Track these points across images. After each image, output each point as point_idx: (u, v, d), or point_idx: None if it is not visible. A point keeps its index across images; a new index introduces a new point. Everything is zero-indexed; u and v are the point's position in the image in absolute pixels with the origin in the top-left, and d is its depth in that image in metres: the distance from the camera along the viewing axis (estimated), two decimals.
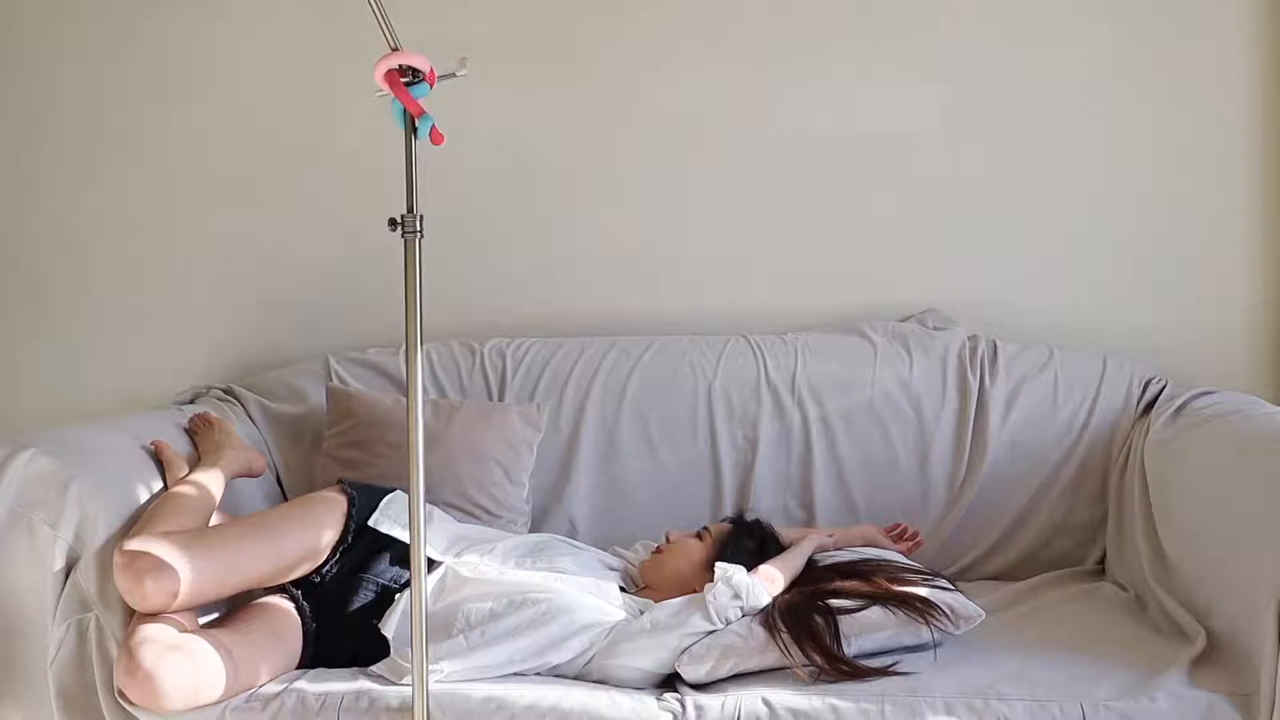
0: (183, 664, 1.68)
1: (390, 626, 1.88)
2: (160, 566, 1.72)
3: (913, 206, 2.69)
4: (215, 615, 1.92)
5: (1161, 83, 2.64)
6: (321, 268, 2.77)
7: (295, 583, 1.94)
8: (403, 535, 1.95)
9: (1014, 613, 2.16)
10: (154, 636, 1.70)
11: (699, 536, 2.11)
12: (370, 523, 1.98)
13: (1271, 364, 2.66)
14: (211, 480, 2.04)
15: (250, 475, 2.22)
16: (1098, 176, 2.66)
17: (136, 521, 1.88)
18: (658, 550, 2.13)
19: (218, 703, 1.72)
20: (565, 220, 2.75)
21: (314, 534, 1.94)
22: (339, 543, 1.95)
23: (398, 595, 1.91)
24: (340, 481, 2.09)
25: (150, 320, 2.81)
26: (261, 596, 1.95)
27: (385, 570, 1.95)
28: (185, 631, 1.75)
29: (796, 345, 2.56)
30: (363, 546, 1.97)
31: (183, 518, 1.88)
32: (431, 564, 1.97)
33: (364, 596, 1.93)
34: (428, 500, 2.14)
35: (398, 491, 2.07)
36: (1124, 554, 2.31)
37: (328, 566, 1.95)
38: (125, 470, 1.98)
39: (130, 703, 1.70)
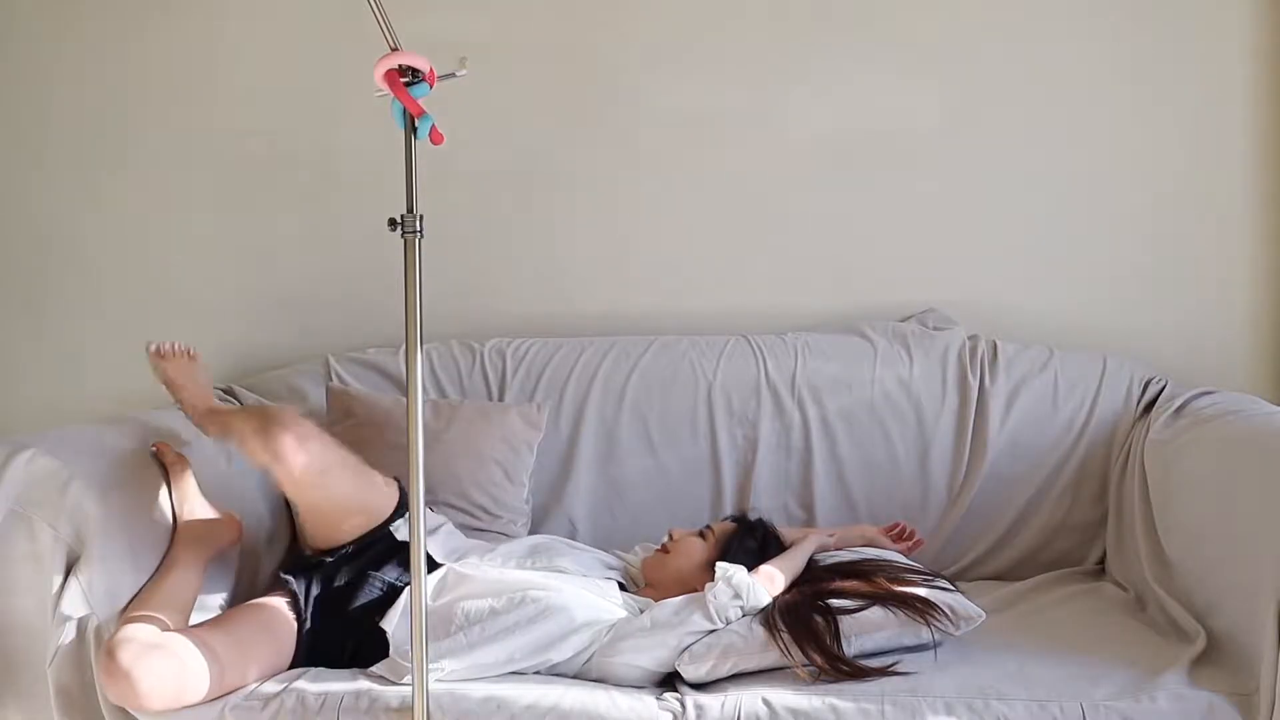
0: (162, 663, 1.68)
1: (392, 623, 1.88)
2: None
3: (913, 206, 2.69)
4: (219, 601, 1.93)
5: (1162, 83, 2.64)
6: (321, 268, 2.77)
7: (304, 569, 1.95)
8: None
9: (1014, 613, 2.16)
10: (134, 636, 1.70)
11: (701, 535, 2.11)
12: (391, 528, 1.99)
13: (1271, 364, 2.66)
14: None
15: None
16: (1098, 176, 2.66)
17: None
18: (662, 549, 2.13)
19: (204, 702, 1.71)
20: (565, 220, 2.75)
21: (372, 503, 1.99)
22: (368, 533, 1.97)
23: (401, 594, 1.92)
24: (397, 479, 2.09)
25: (150, 320, 2.80)
26: (260, 596, 1.95)
27: (391, 570, 1.96)
28: (168, 631, 1.75)
29: (796, 345, 2.56)
30: (381, 547, 1.98)
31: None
32: (434, 566, 1.98)
33: (369, 593, 1.94)
34: (430, 503, 2.16)
35: (427, 510, 2.10)
36: (1124, 554, 2.31)
37: (345, 550, 1.96)
38: (125, 470, 1.97)
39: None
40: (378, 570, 1.96)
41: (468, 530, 2.25)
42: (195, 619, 1.88)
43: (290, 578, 1.94)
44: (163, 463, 2.06)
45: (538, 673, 1.86)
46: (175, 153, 2.78)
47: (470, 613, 1.87)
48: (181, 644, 1.72)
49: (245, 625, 1.85)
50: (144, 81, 2.77)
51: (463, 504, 2.32)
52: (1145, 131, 2.65)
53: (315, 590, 1.93)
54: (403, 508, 2.01)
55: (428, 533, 2.05)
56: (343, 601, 1.93)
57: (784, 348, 2.56)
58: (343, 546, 1.97)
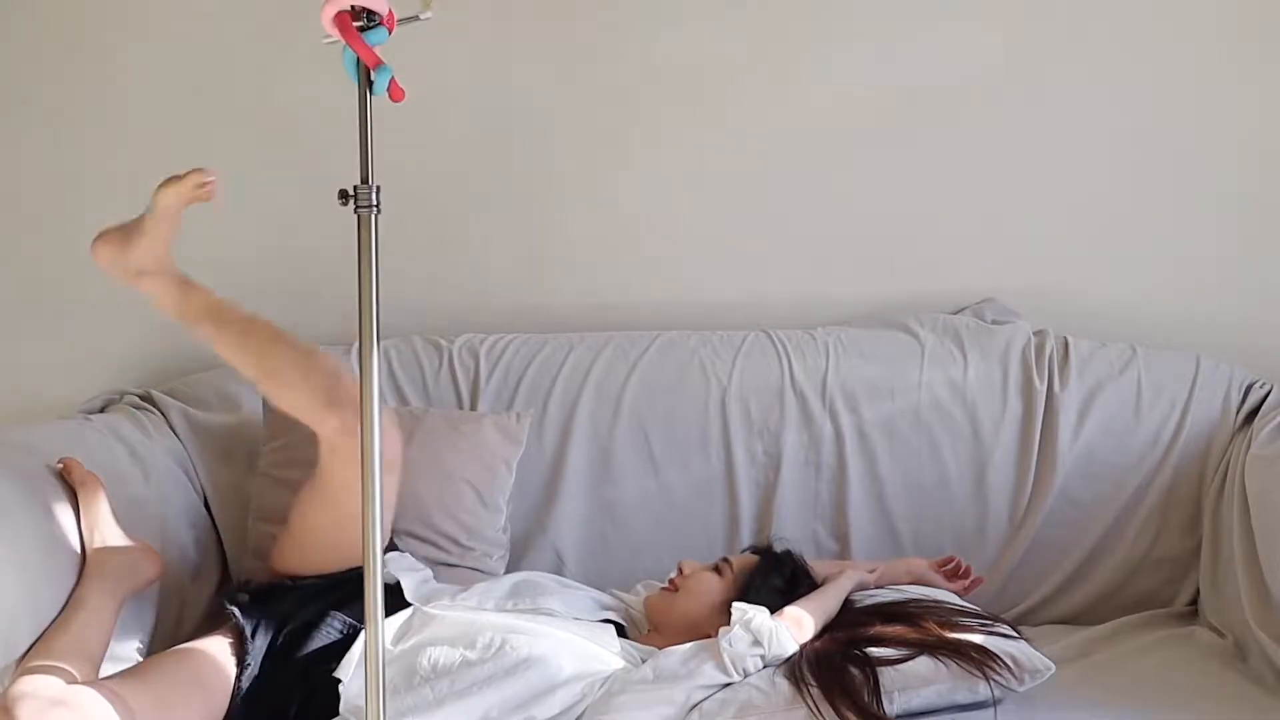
0: None
1: (348, 672, 1.88)
2: None
3: (968, 177, 2.69)
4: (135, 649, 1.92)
5: (1269, 34, 2.62)
6: (257, 250, 2.76)
7: (257, 602, 1.97)
8: (392, 580, 2.03)
9: (1089, 664, 2.18)
10: (33, 691, 1.70)
11: (717, 570, 2.11)
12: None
13: None
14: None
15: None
16: (1188, 139, 2.66)
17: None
18: (670, 586, 2.13)
19: None
20: (553, 194, 2.75)
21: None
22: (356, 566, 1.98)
23: (359, 637, 1.91)
24: None
25: (48, 314, 2.79)
26: (195, 632, 1.95)
27: (357, 608, 1.95)
28: (75, 684, 1.74)
29: (828, 342, 2.57)
30: (354, 586, 1.97)
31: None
32: (402, 606, 1.99)
33: (327, 635, 1.95)
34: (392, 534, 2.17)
35: (406, 555, 2.19)
36: (1221, 593, 2.31)
37: (318, 581, 2.00)
38: (26, 495, 1.95)
39: None
40: (341, 609, 1.97)
41: (432, 564, 2.25)
42: (107, 670, 1.87)
43: (236, 611, 1.94)
44: (69, 483, 2.06)
45: None
46: (79, 114, 2.75)
47: (438, 662, 1.87)
48: (91, 699, 1.70)
49: (169, 676, 1.85)
50: (56, 35, 2.73)
51: (427, 534, 2.32)
52: (1248, 90, 2.64)
53: (267, 628, 1.94)
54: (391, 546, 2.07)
55: (403, 571, 2.08)
56: (295, 644, 1.94)
57: (813, 345, 2.57)
58: (321, 576, 1.99)
